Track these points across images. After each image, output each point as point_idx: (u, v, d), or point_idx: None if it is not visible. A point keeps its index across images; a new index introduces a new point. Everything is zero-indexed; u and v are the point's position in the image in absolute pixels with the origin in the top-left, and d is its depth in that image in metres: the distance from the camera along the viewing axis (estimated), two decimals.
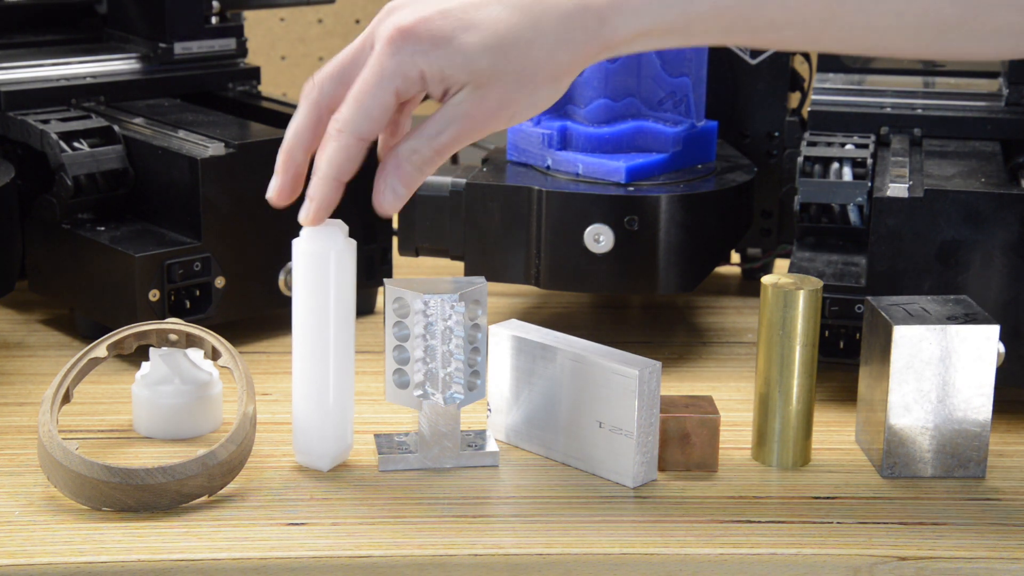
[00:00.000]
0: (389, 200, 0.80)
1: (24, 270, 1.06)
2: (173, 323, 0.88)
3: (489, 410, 0.89)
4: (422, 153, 0.79)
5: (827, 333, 0.94)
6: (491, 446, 0.86)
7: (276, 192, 0.83)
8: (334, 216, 0.84)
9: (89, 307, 1.03)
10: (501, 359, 0.88)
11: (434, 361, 0.83)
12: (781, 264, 1.22)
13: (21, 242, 1.03)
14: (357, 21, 1.61)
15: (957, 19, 0.77)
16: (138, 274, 0.98)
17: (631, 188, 0.98)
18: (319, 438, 0.83)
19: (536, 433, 0.87)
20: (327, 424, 0.83)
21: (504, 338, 0.87)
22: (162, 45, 1.16)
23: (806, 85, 1.16)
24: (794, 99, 1.16)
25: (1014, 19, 0.76)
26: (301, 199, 0.82)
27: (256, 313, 1.06)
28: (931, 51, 0.80)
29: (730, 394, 0.97)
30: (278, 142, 1.07)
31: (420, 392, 0.84)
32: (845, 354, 0.94)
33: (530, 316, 1.10)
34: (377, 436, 0.87)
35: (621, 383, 0.82)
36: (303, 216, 0.82)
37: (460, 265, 1.03)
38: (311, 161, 0.82)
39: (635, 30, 0.78)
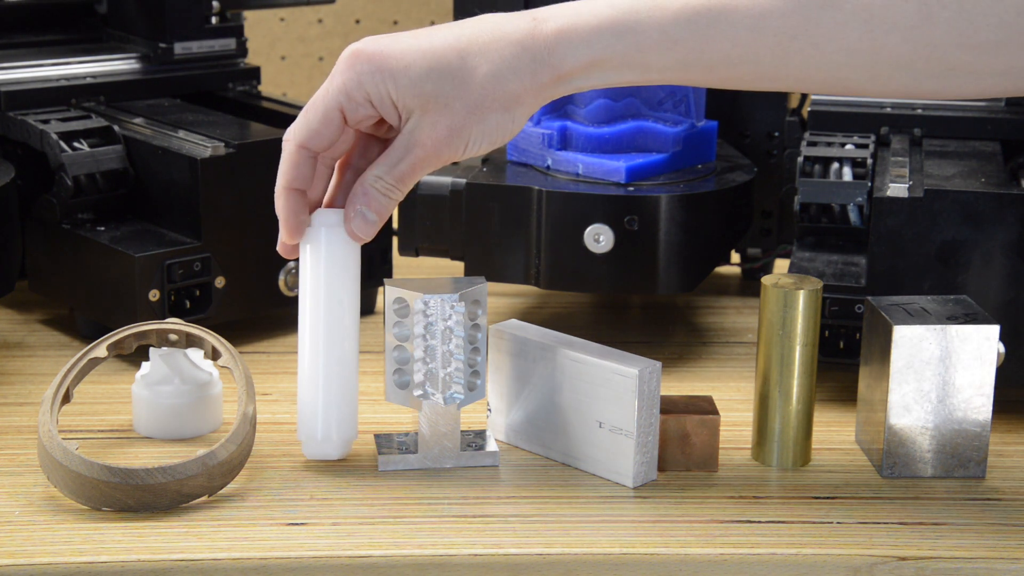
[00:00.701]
0: (359, 225, 0.82)
1: (24, 270, 1.06)
2: (173, 323, 0.88)
3: (489, 410, 0.89)
4: (385, 180, 0.81)
5: (827, 333, 0.94)
6: (491, 446, 0.86)
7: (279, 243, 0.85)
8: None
9: (89, 307, 1.03)
10: (501, 359, 0.88)
11: (434, 361, 0.83)
12: (781, 264, 1.22)
13: (21, 242, 1.03)
14: (357, 21, 1.61)
15: (909, 57, 0.77)
16: (138, 274, 0.98)
17: (631, 188, 0.98)
18: (325, 423, 0.83)
19: (536, 433, 0.87)
20: (335, 407, 0.83)
21: (504, 338, 0.87)
22: (162, 45, 1.16)
23: None
24: (794, 99, 1.17)
25: (967, 58, 0.76)
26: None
27: (256, 313, 1.06)
28: (889, 89, 0.79)
29: (730, 394, 0.97)
30: (278, 142, 1.07)
31: (420, 392, 0.84)
32: (845, 354, 0.94)
33: (530, 316, 1.10)
34: (377, 436, 0.87)
35: (621, 383, 0.82)
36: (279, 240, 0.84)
37: (460, 265, 1.03)
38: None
39: (585, 59, 0.79)
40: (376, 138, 0.84)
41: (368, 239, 0.82)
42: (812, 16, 0.77)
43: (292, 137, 0.82)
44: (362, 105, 0.80)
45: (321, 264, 0.82)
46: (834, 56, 0.77)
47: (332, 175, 0.85)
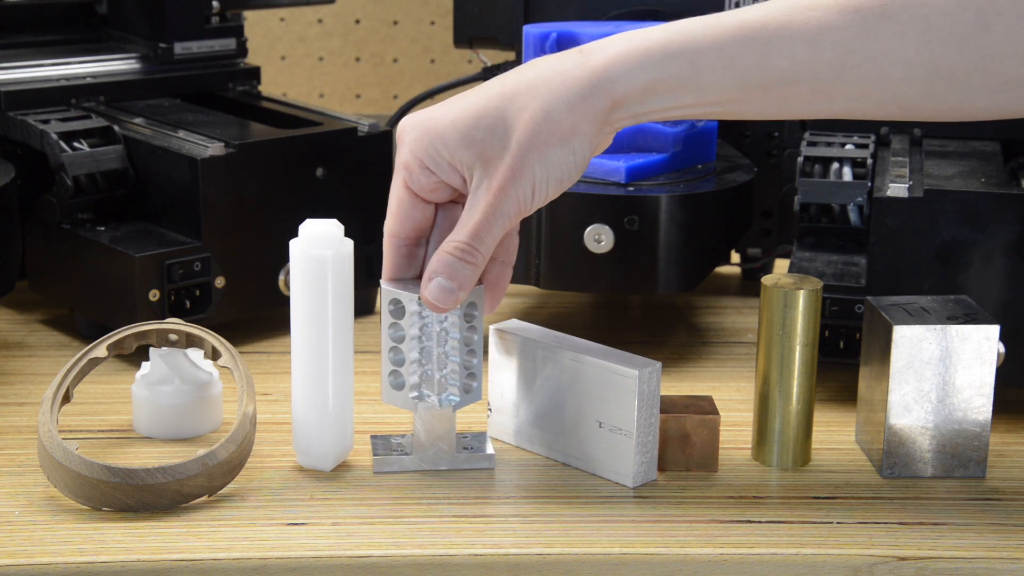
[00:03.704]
0: (434, 292, 0.80)
1: (24, 270, 1.06)
2: (173, 323, 0.88)
3: (489, 410, 0.89)
4: (456, 242, 0.80)
5: (827, 333, 0.94)
6: (487, 449, 0.86)
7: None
8: (337, 217, 0.84)
9: (89, 307, 1.03)
10: (501, 359, 0.88)
11: (429, 363, 0.83)
12: (781, 264, 1.22)
13: (21, 242, 1.03)
14: (357, 21, 1.61)
15: (965, 69, 0.76)
16: (138, 274, 0.98)
17: (631, 188, 0.98)
18: (320, 439, 0.83)
19: (536, 433, 0.87)
20: (327, 425, 0.83)
21: (504, 338, 0.87)
22: (162, 45, 1.16)
23: None
24: None
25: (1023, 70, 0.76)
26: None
27: (256, 313, 1.06)
28: (944, 106, 0.78)
29: (730, 394, 0.97)
30: (278, 142, 1.07)
31: (415, 394, 0.84)
32: (845, 354, 0.94)
33: (530, 316, 1.10)
34: (373, 438, 0.87)
35: (621, 383, 0.82)
36: None
37: None
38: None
39: (640, 82, 0.78)
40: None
41: (448, 308, 0.80)
42: (870, 28, 0.76)
43: (384, 228, 0.84)
44: (422, 173, 0.81)
45: (309, 290, 0.82)
46: (891, 70, 0.76)
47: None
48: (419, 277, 0.84)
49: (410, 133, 0.81)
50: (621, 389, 0.82)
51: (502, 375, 0.88)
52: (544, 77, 0.79)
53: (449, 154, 0.80)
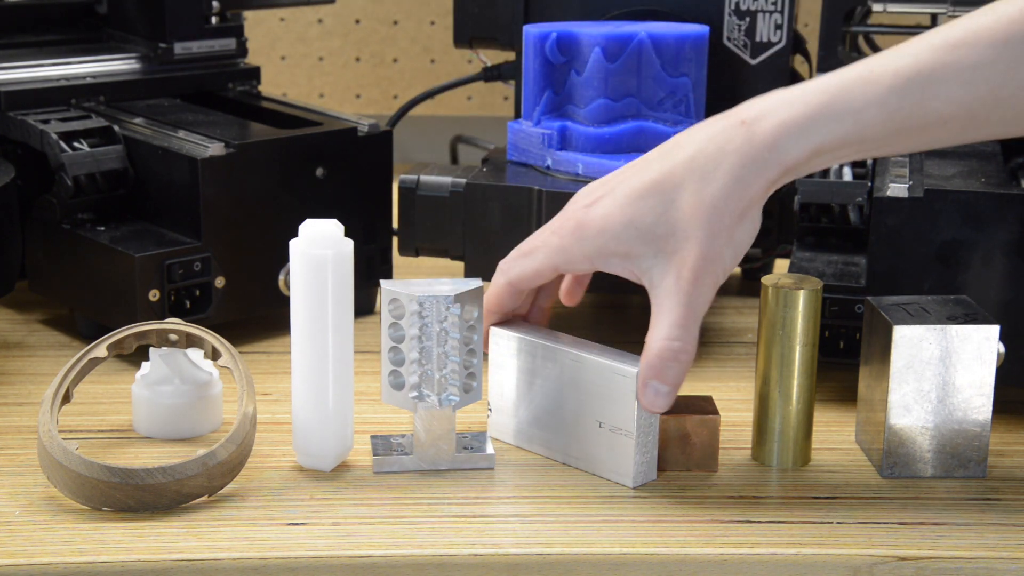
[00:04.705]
0: (650, 398, 0.81)
1: (24, 270, 1.06)
2: (173, 323, 0.88)
3: (489, 410, 0.89)
4: (664, 341, 0.80)
5: (827, 333, 0.94)
6: (487, 448, 0.86)
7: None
8: (337, 217, 0.84)
9: (89, 307, 1.03)
10: (501, 358, 0.88)
11: (429, 363, 0.83)
12: (781, 264, 1.22)
13: (21, 242, 1.03)
14: (357, 21, 1.61)
15: None
16: (138, 274, 0.98)
17: None
18: (320, 439, 0.83)
19: (536, 433, 0.87)
20: (327, 425, 0.83)
21: (505, 337, 0.87)
22: (162, 45, 1.16)
23: None
24: None
25: None
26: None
27: (256, 313, 1.06)
28: None
29: (730, 394, 0.97)
30: (278, 142, 1.07)
31: (415, 394, 0.84)
32: (845, 354, 0.94)
33: None
34: (373, 438, 0.87)
35: (621, 383, 0.82)
36: None
37: (460, 265, 1.03)
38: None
39: (809, 149, 0.79)
40: None
41: (665, 410, 0.81)
42: (1021, 58, 0.77)
43: (504, 271, 0.85)
44: (581, 266, 0.83)
45: (309, 290, 0.82)
46: None
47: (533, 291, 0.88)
48: (522, 316, 0.88)
49: (572, 229, 0.82)
50: (621, 389, 0.82)
51: (502, 375, 0.88)
52: (708, 155, 0.79)
53: (622, 248, 0.80)
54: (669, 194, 0.80)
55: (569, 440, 0.85)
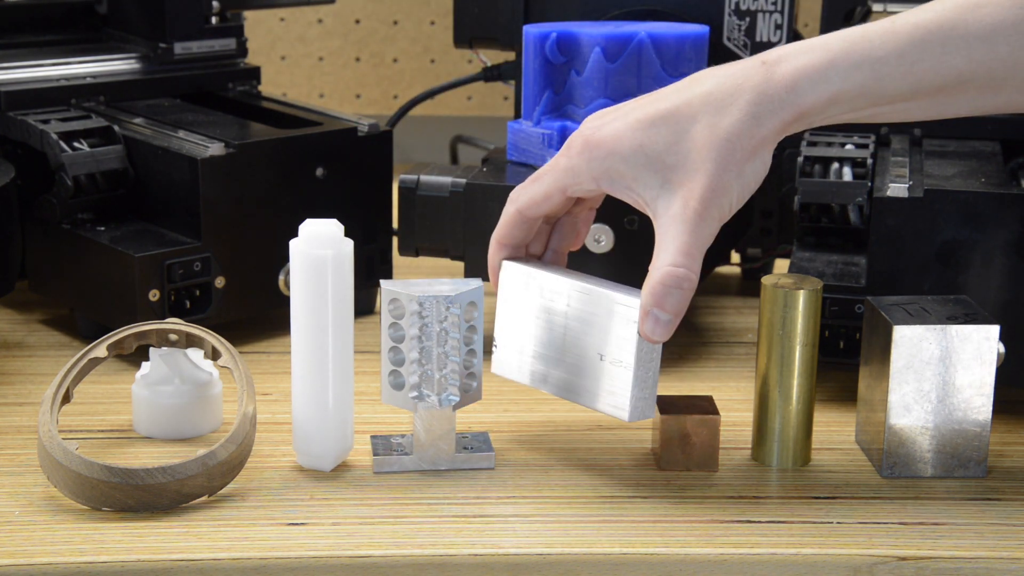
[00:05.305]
0: (651, 326, 0.80)
1: (24, 270, 1.06)
2: (173, 323, 0.88)
3: (495, 346, 0.89)
4: (667, 267, 0.79)
5: (827, 333, 0.94)
6: (487, 448, 0.86)
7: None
8: (337, 217, 0.84)
9: (89, 307, 1.03)
10: (508, 293, 0.87)
11: (429, 363, 0.83)
12: (781, 264, 1.22)
13: (21, 242, 1.03)
14: (357, 21, 1.61)
15: None
16: (138, 274, 0.98)
17: None
18: (320, 439, 0.83)
19: (539, 368, 0.86)
20: (327, 425, 0.83)
21: (513, 271, 0.87)
22: (162, 45, 1.16)
23: None
24: None
25: None
26: None
27: (256, 313, 1.06)
28: None
29: (730, 394, 0.97)
30: (278, 142, 1.07)
31: (415, 394, 0.84)
32: (845, 354, 0.94)
33: None
34: (373, 438, 0.87)
35: (623, 313, 0.81)
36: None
37: (460, 265, 1.03)
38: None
39: (826, 95, 0.79)
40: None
41: (664, 339, 0.80)
42: None
43: (514, 199, 0.85)
44: (588, 187, 0.82)
45: (309, 290, 0.82)
46: None
47: (548, 230, 0.88)
48: (539, 251, 0.88)
49: (588, 152, 0.81)
50: (622, 320, 0.81)
51: (508, 309, 0.87)
52: (725, 90, 0.79)
53: (630, 172, 0.80)
54: (683, 124, 0.79)
55: (570, 375, 0.84)
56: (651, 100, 0.82)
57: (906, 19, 0.79)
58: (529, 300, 0.86)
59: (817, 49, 0.79)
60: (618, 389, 0.82)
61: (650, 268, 0.80)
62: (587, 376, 0.84)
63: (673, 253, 0.79)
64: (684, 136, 0.79)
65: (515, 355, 0.88)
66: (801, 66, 0.79)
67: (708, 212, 0.79)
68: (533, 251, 0.88)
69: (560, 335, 0.85)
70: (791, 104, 0.79)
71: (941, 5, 0.79)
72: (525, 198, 0.85)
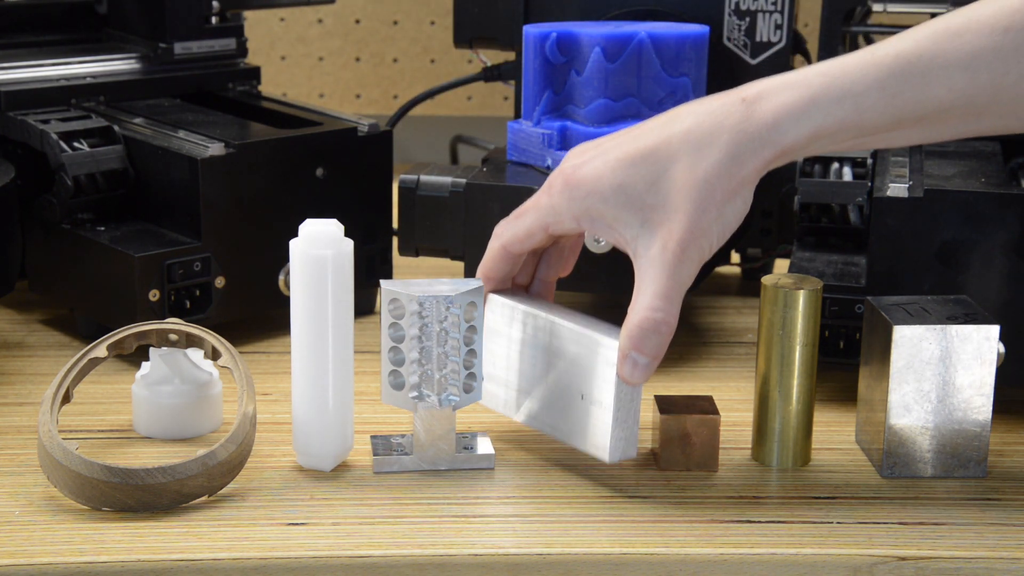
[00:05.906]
0: (628, 370, 0.80)
1: (24, 270, 1.06)
2: (173, 323, 0.88)
3: (480, 378, 0.89)
4: (645, 311, 0.79)
5: (827, 333, 0.94)
6: (487, 448, 0.86)
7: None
8: (337, 217, 0.84)
9: (89, 307, 1.03)
10: (495, 326, 0.87)
11: (429, 363, 0.83)
12: (781, 264, 1.22)
13: (21, 242, 1.03)
14: (357, 21, 1.61)
15: None
16: (138, 274, 0.98)
17: None
18: (320, 439, 0.83)
19: (524, 403, 0.86)
20: (327, 425, 0.83)
21: (499, 305, 0.87)
22: (162, 45, 1.16)
23: None
24: None
25: None
26: None
27: (256, 313, 1.06)
28: None
29: (730, 394, 0.97)
30: (278, 142, 1.07)
31: (415, 394, 0.84)
32: (845, 354, 0.94)
33: None
34: (373, 438, 0.87)
35: (602, 354, 0.81)
36: None
37: (460, 265, 1.03)
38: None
39: (808, 132, 0.78)
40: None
41: (643, 382, 0.80)
42: (1020, 45, 0.76)
43: (499, 235, 0.85)
44: (567, 224, 0.82)
45: (309, 290, 0.82)
46: None
47: (535, 260, 0.88)
48: (525, 282, 0.88)
49: (568, 191, 0.81)
50: (604, 361, 0.81)
51: (495, 343, 0.88)
52: (705, 128, 0.79)
53: (610, 212, 0.80)
54: (662, 164, 0.79)
55: (553, 412, 0.85)
56: (631, 137, 0.81)
57: (886, 50, 0.78)
58: (513, 335, 0.86)
59: (798, 85, 0.78)
60: (598, 430, 0.82)
61: (629, 310, 0.80)
62: (569, 415, 0.84)
63: (651, 296, 0.79)
64: (663, 176, 0.79)
65: (501, 388, 0.88)
66: (782, 104, 0.78)
67: (687, 255, 0.79)
68: (520, 281, 0.88)
69: (543, 372, 0.85)
70: (772, 143, 0.78)
71: (920, 33, 0.78)
72: (508, 234, 0.85)
